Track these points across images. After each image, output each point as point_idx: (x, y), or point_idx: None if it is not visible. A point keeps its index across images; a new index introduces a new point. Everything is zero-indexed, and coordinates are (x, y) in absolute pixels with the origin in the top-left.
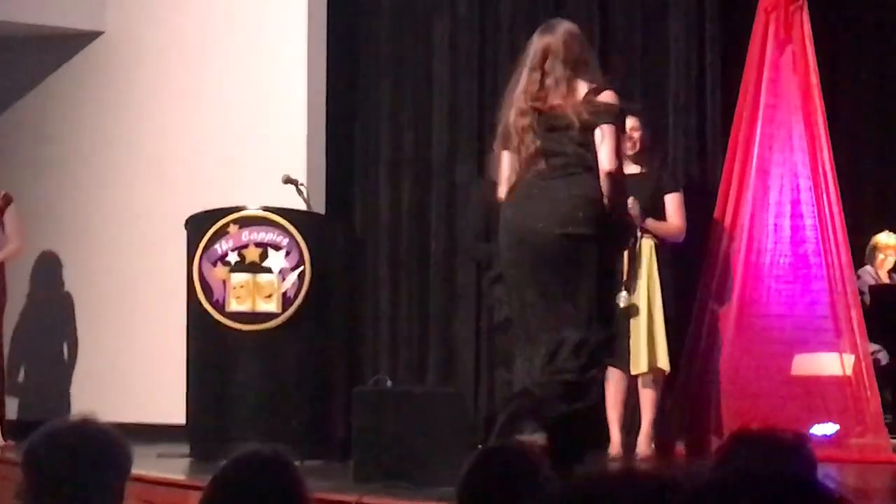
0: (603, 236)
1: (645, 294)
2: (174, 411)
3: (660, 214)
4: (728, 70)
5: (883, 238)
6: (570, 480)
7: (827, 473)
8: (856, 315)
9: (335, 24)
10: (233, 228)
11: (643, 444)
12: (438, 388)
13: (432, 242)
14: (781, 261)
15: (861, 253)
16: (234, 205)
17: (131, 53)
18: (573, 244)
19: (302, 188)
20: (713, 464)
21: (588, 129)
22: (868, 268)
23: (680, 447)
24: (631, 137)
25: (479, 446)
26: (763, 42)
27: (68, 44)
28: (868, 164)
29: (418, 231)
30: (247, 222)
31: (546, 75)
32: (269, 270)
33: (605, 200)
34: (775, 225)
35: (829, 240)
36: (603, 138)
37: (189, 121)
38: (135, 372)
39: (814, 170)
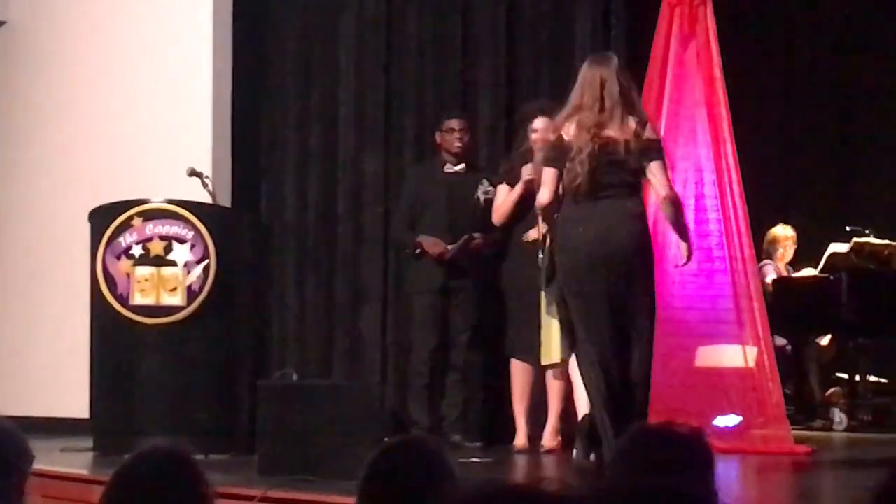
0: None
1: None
2: (78, 405)
3: None
4: (632, 65)
5: (780, 231)
6: (467, 492)
7: (725, 484)
8: (758, 308)
9: (241, 17)
10: (137, 221)
11: (549, 437)
12: (345, 382)
13: (339, 236)
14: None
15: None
16: (138, 197)
17: (35, 44)
18: (641, 254)
19: (207, 181)
20: (613, 459)
21: (637, 161)
22: (769, 262)
23: None
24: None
25: (385, 440)
26: (667, 37)
27: None
28: (771, 158)
29: (325, 224)
30: (151, 215)
31: (603, 107)
32: (173, 264)
33: (672, 222)
34: None
35: (732, 233)
36: (655, 172)
37: (94, 113)
38: (38, 365)
39: (717, 164)
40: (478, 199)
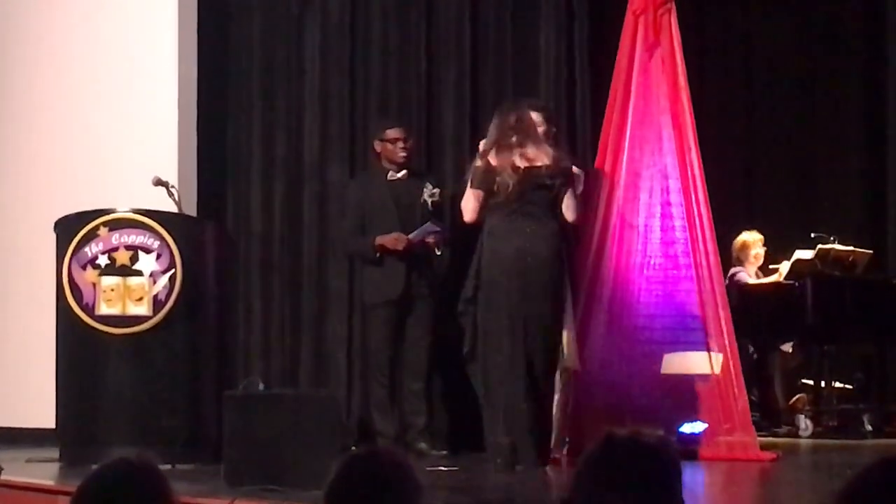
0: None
1: None
2: (44, 415)
3: None
4: (597, 73)
5: (748, 236)
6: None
7: (692, 492)
8: (724, 314)
9: (206, 26)
10: (103, 231)
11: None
12: (310, 391)
13: (305, 244)
14: (652, 261)
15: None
16: (104, 207)
17: None
18: (556, 268)
19: (173, 190)
20: (579, 468)
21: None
22: (740, 268)
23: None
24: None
25: (351, 449)
26: (632, 45)
27: None
28: (735, 165)
29: (290, 233)
30: (117, 225)
31: (523, 136)
32: (139, 273)
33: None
34: (645, 226)
35: (697, 240)
36: (568, 197)
37: (59, 121)
38: (4, 375)
39: (682, 171)
40: (424, 202)
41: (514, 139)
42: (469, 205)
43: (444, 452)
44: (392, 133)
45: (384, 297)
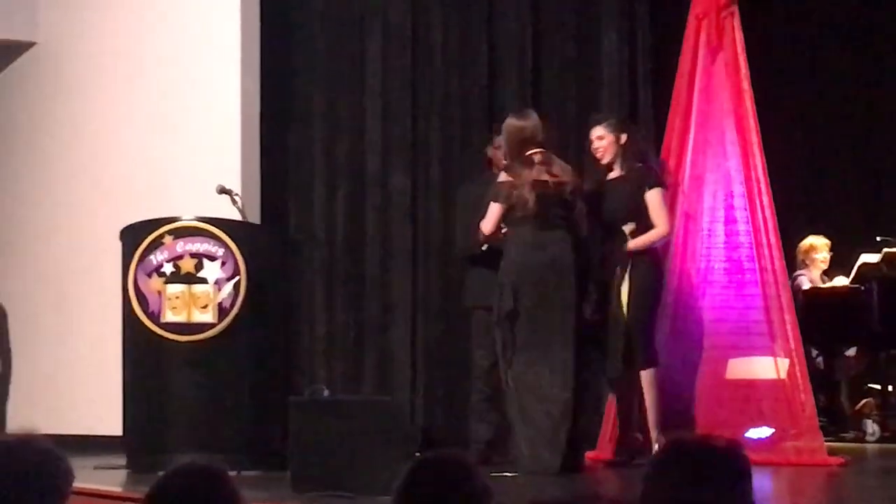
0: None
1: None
2: (110, 423)
3: (644, 214)
4: (660, 78)
5: (815, 239)
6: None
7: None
8: (790, 319)
9: (268, 34)
10: (168, 239)
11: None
12: (374, 397)
13: (367, 250)
14: (716, 266)
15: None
16: (168, 215)
17: (65, 64)
18: (576, 280)
19: (236, 198)
20: (648, 471)
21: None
22: (803, 272)
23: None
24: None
25: (417, 455)
26: (695, 49)
27: (2, 54)
28: (799, 169)
29: (353, 240)
30: (182, 233)
31: (544, 153)
32: (204, 281)
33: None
34: (709, 230)
35: (762, 244)
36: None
37: (123, 131)
38: (71, 383)
39: (747, 175)
40: None
41: (538, 155)
42: (489, 217)
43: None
44: (499, 140)
45: (485, 300)
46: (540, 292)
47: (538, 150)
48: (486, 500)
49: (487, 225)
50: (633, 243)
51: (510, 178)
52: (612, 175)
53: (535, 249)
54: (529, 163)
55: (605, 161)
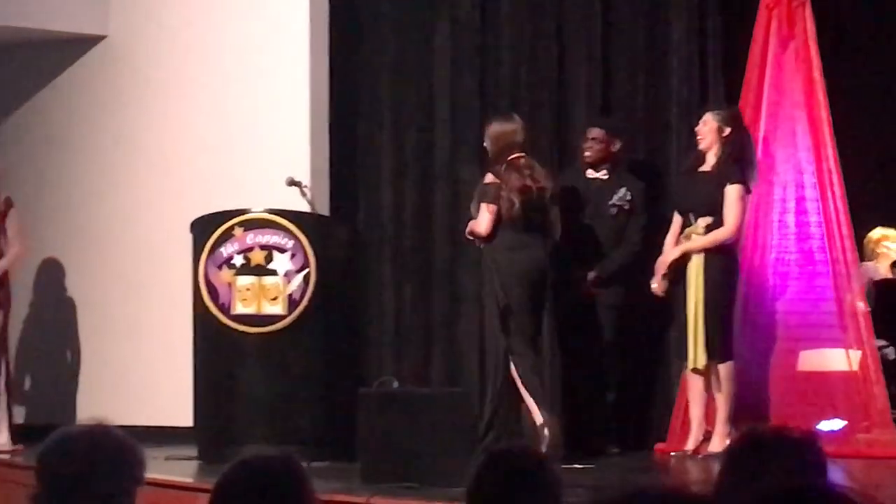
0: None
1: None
2: (181, 414)
3: (722, 209)
4: (730, 68)
5: (886, 231)
6: (604, 496)
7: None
8: (862, 310)
9: (337, 26)
10: (238, 231)
11: (717, 443)
12: (443, 389)
13: (436, 243)
14: (787, 257)
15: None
16: (238, 207)
17: (134, 57)
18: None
19: (306, 190)
20: (724, 462)
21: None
22: (868, 263)
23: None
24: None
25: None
26: (765, 39)
27: (72, 48)
28: (871, 160)
29: (421, 232)
30: (252, 225)
31: (527, 157)
32: (274, 273)
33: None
34: (780, 222)
35: (833, 236)
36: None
37: (193, 124)
38: (141, 375)
39: (818, 166)
40: (613, 205)
41: (522, 159)
42: (485, 219)
43: (616, 450)
44: (586, 132)
45: None
46: (525, 292)
47: (521, 154)
48: (557, 490)
49: (484, 227)
50: (699, 242)
51: (497, 181)
52: (704, 168)
53: (518, 251)
54: (515, 167)
55: (701, 146)
